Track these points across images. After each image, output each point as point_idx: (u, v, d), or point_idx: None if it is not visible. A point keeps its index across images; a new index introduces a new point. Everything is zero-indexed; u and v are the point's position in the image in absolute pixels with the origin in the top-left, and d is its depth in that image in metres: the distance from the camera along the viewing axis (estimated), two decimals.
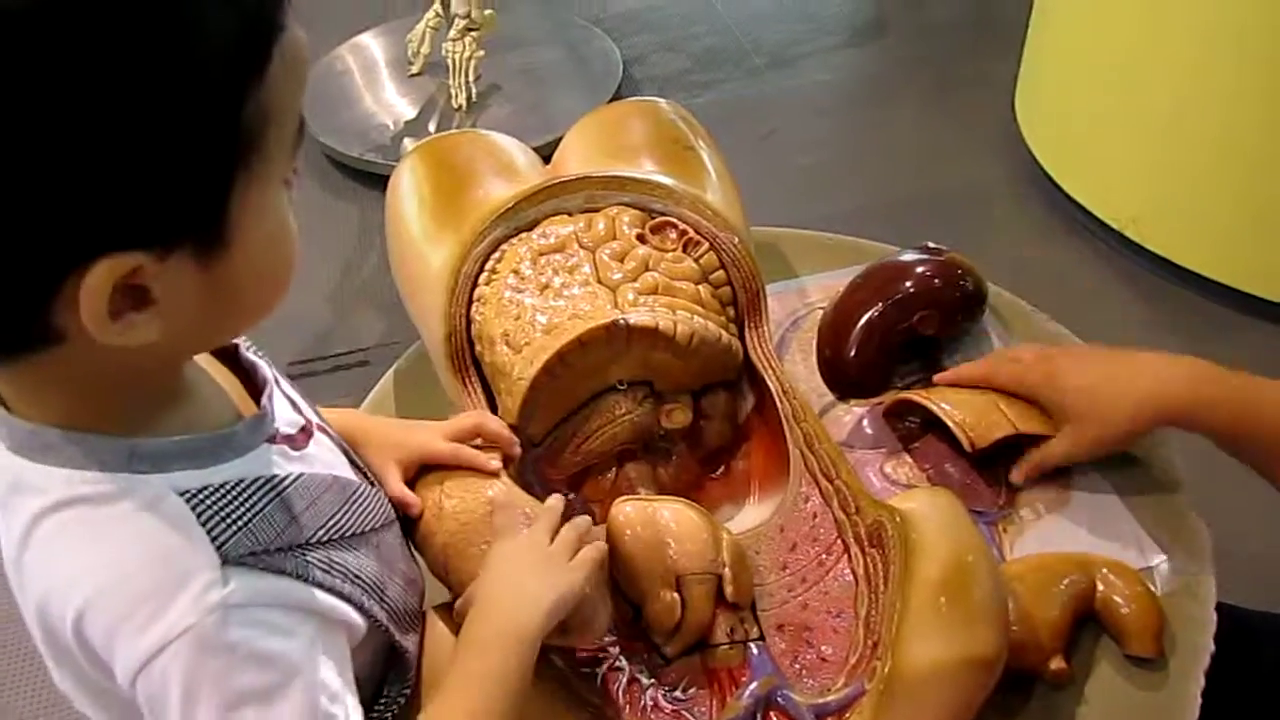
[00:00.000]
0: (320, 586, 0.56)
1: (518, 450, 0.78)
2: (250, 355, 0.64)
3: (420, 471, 0.75)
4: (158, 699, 0.50)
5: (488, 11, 2.23)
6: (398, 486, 0.72)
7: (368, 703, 0.66)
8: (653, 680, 0.73)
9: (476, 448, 0.76)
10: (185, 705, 0.50)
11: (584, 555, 0.68)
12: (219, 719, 0.50)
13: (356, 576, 0.59)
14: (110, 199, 0.44)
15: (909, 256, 1.01)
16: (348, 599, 0.58)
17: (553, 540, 0.69)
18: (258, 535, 0.53)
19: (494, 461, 0.74)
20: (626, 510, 0.75)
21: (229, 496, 0.53)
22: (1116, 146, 1.93)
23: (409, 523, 0.72)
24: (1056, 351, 0.89)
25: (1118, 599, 0.76)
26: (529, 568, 0.67)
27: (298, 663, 0.53)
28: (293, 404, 0.65)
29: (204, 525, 0.51)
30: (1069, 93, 2.03)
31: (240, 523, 0.53)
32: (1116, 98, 1.91)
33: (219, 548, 0.51)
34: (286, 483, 0.57)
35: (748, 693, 0.70)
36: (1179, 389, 0.77)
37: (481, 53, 2.26)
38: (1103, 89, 1.93)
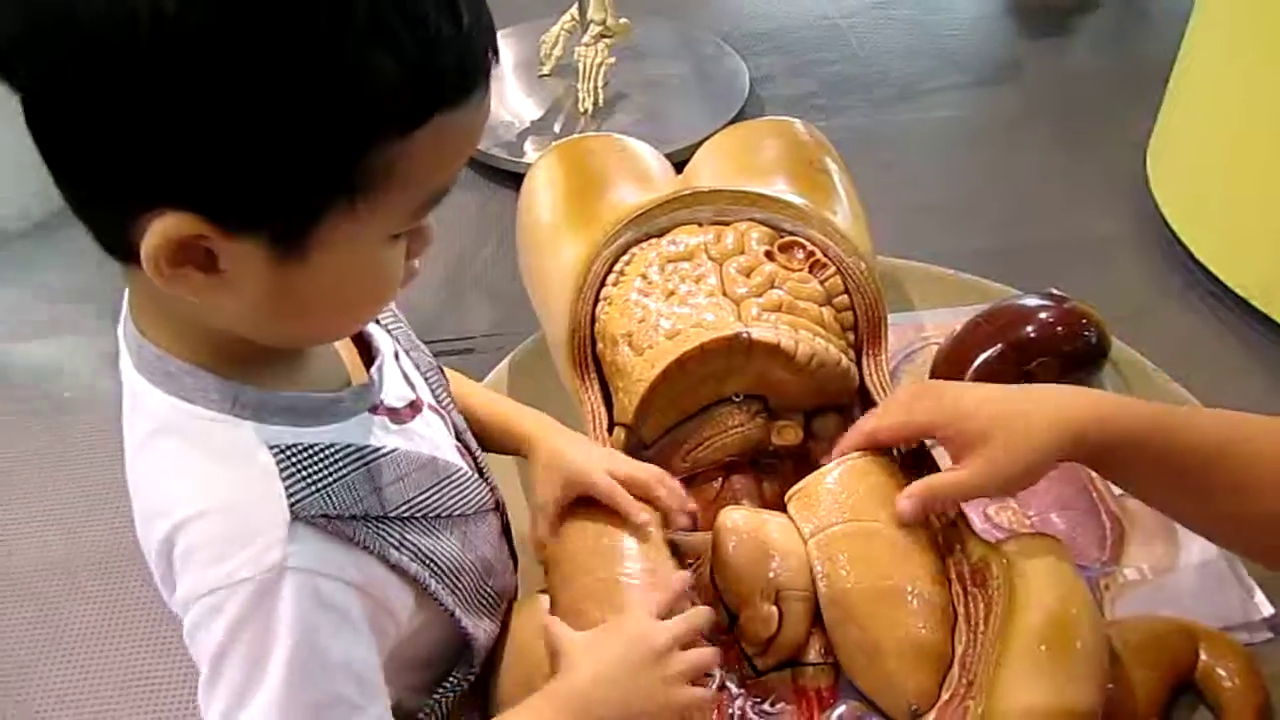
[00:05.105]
0: (385, 561, 0.57)
1: (684, 521, 0.76)
2: (371, 326, 0.65)
3: (578, 501, 0.74)
4: (200, 631, 0.53)
5: (622, 20, 2.27)
6: (539, 530, 0.75)
7: (435, 683, 0.68)
8: (741, 690, 0.73)
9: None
10: (223, 645, 0.52)
11: (694, 695, 0.64)
12: (246, 670, 0.52)
13: (428, 558, 0.60)
14: (201, 169, 0.45)
15: (1033, 301, 1.01)
16: (413, 579, 0.59)
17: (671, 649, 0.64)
18: (333, 500, 0.55)
19: (643, 515, 0.73)
20: (735, 517, 0.76)
21: (316, 458, 0.55)
22: (1250, 213, 1.87)
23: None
24: (936, 387, 0.81)
25: (1220, 671, 0.75)
26: (645, 685, 0.63)
27: (332, 645, 0.54)
28: (406, 379, 0.67)
29: (284, 480, 0.54)
30: (1205, 152, 1.97)
31: (319, 485, 0.55)
32: (1255, 163, 1.85)
33: (292, 504, 0.53)
34: (379, 454, 0.59)
35: (835, 715, 0.71)
36: (1083, 414, 0.71)
37: (613, 59, 2.30)
38: (1241, 152, 1.87)
